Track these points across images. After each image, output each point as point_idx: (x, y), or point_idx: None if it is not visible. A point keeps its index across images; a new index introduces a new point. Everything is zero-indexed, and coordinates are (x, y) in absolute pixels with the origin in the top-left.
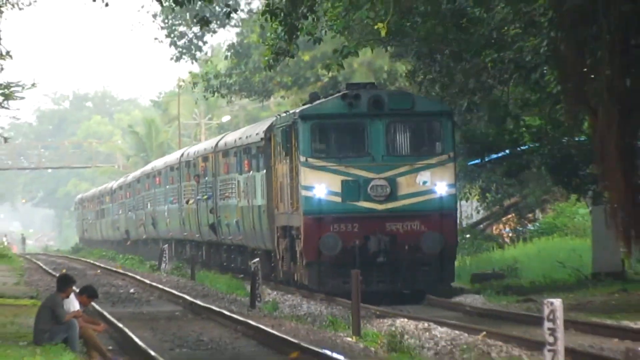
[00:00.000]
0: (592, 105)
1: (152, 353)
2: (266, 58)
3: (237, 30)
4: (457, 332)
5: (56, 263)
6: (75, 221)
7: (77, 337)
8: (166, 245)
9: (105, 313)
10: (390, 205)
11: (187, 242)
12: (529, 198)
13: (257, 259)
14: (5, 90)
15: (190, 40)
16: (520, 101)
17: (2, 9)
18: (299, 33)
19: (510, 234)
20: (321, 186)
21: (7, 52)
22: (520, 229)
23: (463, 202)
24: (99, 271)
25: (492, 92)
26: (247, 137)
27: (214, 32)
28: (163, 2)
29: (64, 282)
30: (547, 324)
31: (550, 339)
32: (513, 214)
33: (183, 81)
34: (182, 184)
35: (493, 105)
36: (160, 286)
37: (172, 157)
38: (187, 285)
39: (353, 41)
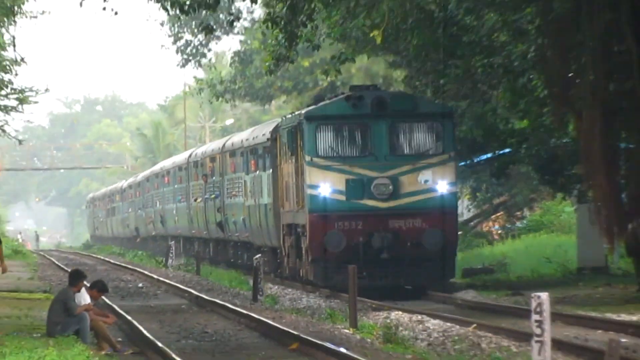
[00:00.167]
0: (577, 108)
1: (159, 344)
2: (267, 63)
3: (241, 37)
4: (448, 324)
5: (68, 259)
6: (86, 219)
7: (88, 329)
8: (173, 242)
9: (115, 306)
10: (393, 203)
11: (195, 239)
12: (517, 197)
13: (259, 255)
14: (20, 95)
15: (196, 47)
16: (509, 104)
17: (16, 18)
18: (298, 40)
19: (499, 231)
20: (326, 185)
21: (22, 59)
22: (509, 226)
23: None
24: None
25: (482, 97)
26: (253, 138)
27: (219, 39)
28: (170, 11)
29: (76, 277)
30: (535, 317)
31: (538, 331)
32: (502, 212)
33: (189, 87)
34: (190, 183)
35: (482, 111)
36: (167, 281)
37: (180, 158)
38: (192, 280)
39: (350, 48)
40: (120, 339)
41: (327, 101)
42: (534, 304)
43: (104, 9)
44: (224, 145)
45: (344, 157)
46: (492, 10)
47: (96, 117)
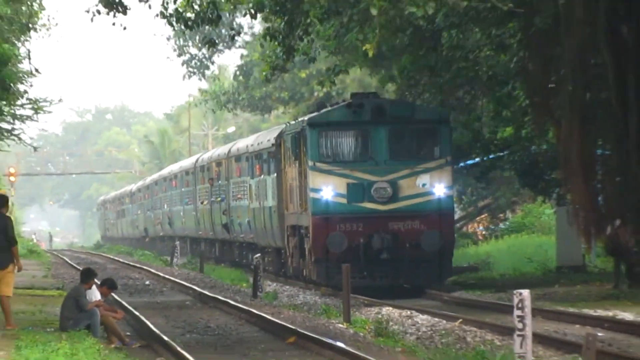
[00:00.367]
0: (557, 117)
1: (165, 338)
2: (264, 73)
3: (243, 51)
4: (436, 319)
5: (80, 258)
6: (97, 221)
7: (98, 323)
8: (178, 242)
9: (124, 302)
10: (392, 206)
11: (202, 240)
12: (500, 200)
13: (259, 255)
14: (35, 105)
15: (200, 60)
16: (493, 114)
17: (31, 33)
18: (295, 53)
19: (483, 232)
20: (328, 188)
21: (36, 69)
22: (493, 227)
23: None
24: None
25: (467, 107)
26: (258, 143)
27: (221, 52)
28: (175, 26)
29: (87, 275)
30: (517, 312)
31: (520, 325)
32: (486, 214)
33: (193, 98)
34: (197, 187)
35: (467, 119)
36: (172, 278)
37: (187, 162)
38: (196, 278)
39: (344, 61)
40: (128, 333)
41: (329, 108)
42: (516, 300)
43: (114, 24)
44: (229, 150)
45: (345, 162)
46: (477, 25)
47: (106, 125)
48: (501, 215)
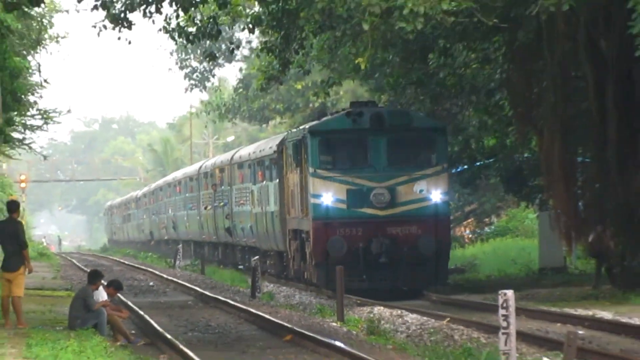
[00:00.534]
0: (539, 126)
1: (168, 336)
2: (260, 82)
3: (242, 64)
4: (425, 318)
5: (87, 260)
6: (104, 225)
7: (105, 322)
8: (180, 245)
9: (129, 302)
10: (390, 211)
11: (205, 244)
12: (486, 205)
13: (257, 257)
14: (45, 115)
15: (201, 73)
16: (478, 123)
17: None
18: (291, 66)
19: (470, 235)
20: (328, 194)
21: (45, 80)
22: (479, 231)
23: None
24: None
25: (456, 117)
26: (260, 151)
27: (221, 66)
28: (177, 40)
29: (94, 276)
30: (502, 311)
31: (504, 324)
32: (472, 219)
33: (195, 108)
34: (201, 192)
35: (454, 129)
36: (175, 280)
37: (191, 169)
38: (197, 279)
39: (337, 73)
40: (133, 332)
41: (329, 117)
42: (500, 300)
43: (119, 38)
44: (232, 157)
45: (345, 169)
46: (463, 40)
47: (112, 135)
48: (487, 219)
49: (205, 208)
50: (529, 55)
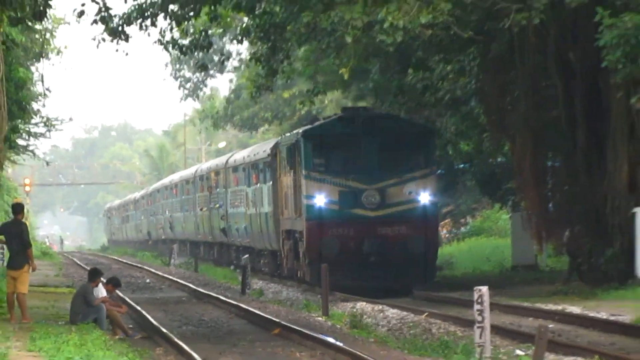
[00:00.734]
0: (512, 133)
1: (164, 330)
2: (249, 91)
3: (232, 75)
4: (405, 312)
5: (88, 259)
6: (103, 226)
7: (104, 317)
8: (175, 245)
9: (127, 298)
10: (381, 212)
11: (201, 243)
12: (462, 206)
13: (247, 255)
14: (48, 123)
15: (194, 84)
16: (455, 130)
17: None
18: (278, 75)
19: (447, 235)
20: (321, 196)
21: (47, 88)
22: (455, 231)
23: None
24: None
25: (434, 124)
26: (254, 154)
27: (213, 76)
28: (171, 52)
29: (94, 274)
30: (477, 306)
31: (479, 318)
32: (449, 219)
33: (188, 116)
34: (197, 195)
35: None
36: (170, 277)
37: (187, 172)
38: (191, 277)
39: (321, 83)
40: (131, 326)
41: (322, 121)
42: (476, 296)
43: (117, 50)
44: (227, 161)
45: (337, 171)
46: (440, 53)
47: (111, 141)
48: (462, 220)
49: (201, 209)
50: (502, 66)
